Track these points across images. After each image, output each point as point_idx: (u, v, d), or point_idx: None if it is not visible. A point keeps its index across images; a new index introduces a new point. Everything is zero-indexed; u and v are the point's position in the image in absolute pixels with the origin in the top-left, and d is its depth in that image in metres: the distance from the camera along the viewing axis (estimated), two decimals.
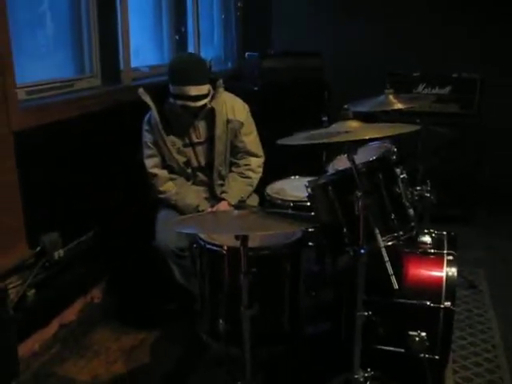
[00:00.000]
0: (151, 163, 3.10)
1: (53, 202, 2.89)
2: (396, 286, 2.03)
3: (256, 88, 4.83)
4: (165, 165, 3.13)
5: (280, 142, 2.25)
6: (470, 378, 2.77)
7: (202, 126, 3.14)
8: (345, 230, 2.23)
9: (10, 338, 2.39)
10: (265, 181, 3.27)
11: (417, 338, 2.40)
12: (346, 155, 2.17)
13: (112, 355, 3.00)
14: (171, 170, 3.14)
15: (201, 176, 3.22)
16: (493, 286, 3.74)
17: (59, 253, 2.88)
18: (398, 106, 2.99)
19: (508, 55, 5.15)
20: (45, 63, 3.11)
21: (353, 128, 2.19)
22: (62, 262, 2.91)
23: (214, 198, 3.20)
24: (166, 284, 3.13)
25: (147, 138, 3.09)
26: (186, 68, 2.98)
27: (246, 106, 3.26)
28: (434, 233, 2.78)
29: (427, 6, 5.32)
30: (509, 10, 5.12)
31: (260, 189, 3.25)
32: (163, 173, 3.11)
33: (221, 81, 3.15)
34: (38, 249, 2.77)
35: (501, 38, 5.14)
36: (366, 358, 2.28)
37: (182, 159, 3.12)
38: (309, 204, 2.49)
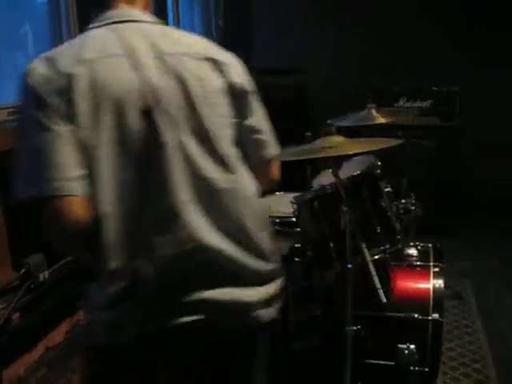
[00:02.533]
0: None
1: (37, 224, 2.86)
2: (384, 300, 2.03)
3: None
4: None
5: None
6: None
7: None
8: (331, 244, 2.24)
9: None
10: None
11: (406, 351, 2.40)
12: (330, 170, 2.17)
13: None
14: None
15: None
16: (479, 297, 3.76)
17: (44, 274, 2.84)
18: (381, 120, 3.01)
19: (488, 67, 5.21)
20: None
21: (337, 143, 2.20)
22: (47, 283, 2.87)
23: None
24: None
25: None
26: None
27: None
28: (419, 245, 2.79)
29: (409, 21, 5.37)
30: (489, 20, 5.19)
31: None
32: None
33: None
34: (23, 271, 2.73)
35: (481, 50, 5.21)
36: (356, 373, 2.27)
37: None
38: (295, 220, 2.49)
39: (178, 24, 4.75)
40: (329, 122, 2.32)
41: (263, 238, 1.53)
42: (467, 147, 4.83)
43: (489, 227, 4.94)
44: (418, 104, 4.79)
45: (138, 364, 1.43)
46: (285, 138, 3.03)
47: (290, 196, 2.42)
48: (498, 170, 5.27)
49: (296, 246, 2.59)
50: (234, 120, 1.53)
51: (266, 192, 1.76)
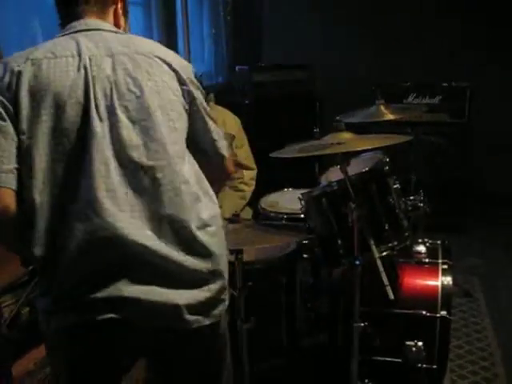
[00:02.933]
0: None
1: None
2: (392, 297, 2.03)
3: (247, 101, 4.84)
4: None
5: (274, 154, 2.25)
6: None
7: None
8: (339, 241, 2.24)
9: (4, 358, 2.37)
10: (258, 194, 3.27)
11: (414, 348, 2.40)
12: (338, 167, 2.17)
13: None
14: None
15: None
16: (488, 294, 3.75)
17: None
18: (390, 116, 2.99)
19: (498, 63, 5.18)
20: None
21: (345, 139, 2.20)
22: None
23: None
24: None
25: None
26: None
27: (238, 120, 3.26)
28: (428, 242, 2.79)
29: (417, 16, 5.35)
30: (499, 17, 5.16)
31: (253, 202, 3.25)
32: None
33: (212, 95, 3.16)
34: (31, 267, 2.75)
35: (490, 45, 5.18)
36: (364, 369, 2.27)
37: None
38: (303, 216, 2.49)
39: (186, 21, 4.75)
40: (337, 118, 2.31)
41: (204, 234, 1.48)
42: (476, 143, 4.80)
43: (498, 224, 4.92)
44: (427, 100, 4.76)
45: (66, 353, 1.49)
46: (293, 134, 3.05)
47: (298, 192, 2.42)
48: (508, 166, 5.24)
49: (304, 242, 2.60)
50: (183, 115, 1.55)
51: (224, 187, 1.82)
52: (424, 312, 2.44)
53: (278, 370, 2.74)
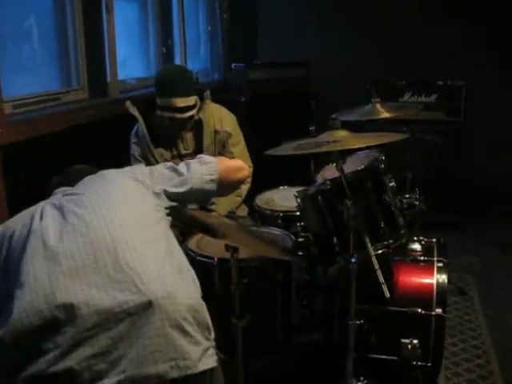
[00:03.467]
0: None
1: None
2: (387, 295, 2.03)
3: (243, 99, 4.84)
4: None
5: (269, 152, 2.25)
6: None
7: (189, 137, 3.14)
8: (335, 239, 2.24)
9: None
10: (253, 191, 3.27)
11: (409, 346, 2.40)
12: (334, 165, 2.17)
13: None
14: None
15: None
16: (482, 292, 3.76)
17: None
18: (385, 114, 3.00)
19: (494, 62, 5.20)
20: (31, 77, 3.10)
21: (341, 137, 2.20)
22: None
23: (204, 210, 3.19)
24: None
25: (135, 150, 3.08)
26: (172, 80, 2.98)
27: (234, 117, 3.26)
28: (423, 240, 2.79)
29: (415, 15, 5.36)
30: (496, 17, 5.17)
31: (249, 199, 3.24)
32: None
33: (208, 92, 3.15)
34: None
35: (487, 44, 5.19)
36: (359, 367, 2.28)
37: None
38: (298, 214, 2.49)
39: (182, 19, 4.75)
40: (333, 116, 2.31)
41: None
42: (472, 142, 4.81)
43: (493, 222, 4.94)
44: (422, 98, 4.77)
45: None
46: (289, 131, 3.05)
47: (294, 190, 2.42)
48: (504, 164, 5.26)
49: (299, 240, 2.60)
50: None
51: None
52: (419, 310, 2.45)
53: (273, 367, 2.74)
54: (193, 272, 1.67)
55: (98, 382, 1.35)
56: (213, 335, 1.58)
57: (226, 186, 1.97)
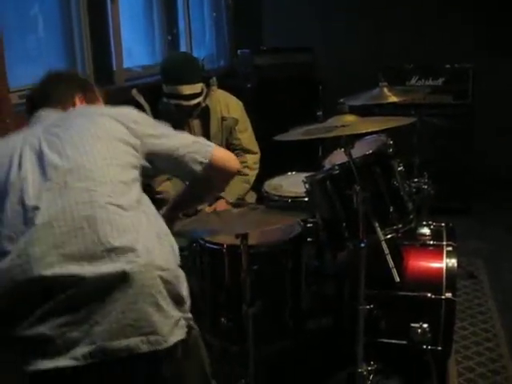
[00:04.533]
0: None
1: None
2: (397, 279, 2.03)
3: (249, 85, 4.82)
4: None
5: (277, 138, 2.24)
6: (473, 367, 2.78)
7: (196, 124, 3.13)
8: (344, 224, 2.23)
9: None
10: (261, 177, 3.26)
11: (419, 330, 2.40)
12: (342, 149, 2.16)
13: None
14: None
15: None
16: (492, 276, 3.75)
17: None
18: (393, 98, 2.98)
19: (501, 43, 5.15)
20: (37, 66, 3.10)
21: (349, 122, 2.19)
22: None
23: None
24: None
25: None
26: (178, 67, 2.97)
27: (240, 103, 3.25)
28: (432, 224, 2.78)
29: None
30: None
31: (257, 186, 3.24)
32: None
33: (214, 79, 3.15)
34: None
35: (493, 26, 5.14)
36: (369, 351, 2.28)
37: None
38: (307, 199, 2.49)
39: (187, 5, 4.73)
40: (341, 100, 2.31)
41: None
42: (480, 125, 4.78)
43: (502, 206, 4.92)
44: (430, 82, 4.74)
45: None
46: (296, 117, 3.04)
47: (302, 176, 2.41)
48: None
49: (308, 225, 2.59)
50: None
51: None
52: (429, 294, 2.45)
53: (283, 353, 2.75)
54: (171, 238, 1.63)
55: (70, 351, 1.36)
56: (188, 304, 1.56)
57: (215, 172, 1.82)
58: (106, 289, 1.39)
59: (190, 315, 1.55)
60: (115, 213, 1.47)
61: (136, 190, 1.59)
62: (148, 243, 1.48)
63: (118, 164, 1.56)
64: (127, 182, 1.56)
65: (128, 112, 1.73)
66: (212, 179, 1.85)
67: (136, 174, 1.62)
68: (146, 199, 1.63)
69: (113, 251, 1.41)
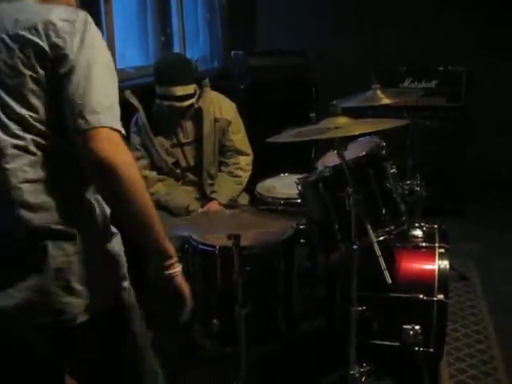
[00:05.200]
0: (139, 165, 3.08)
1: None
2: (389, 281, 2.03)
3: (243, 86, 4.82)
4: (153, 166, 3.12)
5: (270, 139, 2.24)
6: (465, 369, 2.79)
7: (189, 126, 3.13)
8: (336, 226, 2.23)
9: None
10: (254, 179, 3.26)
11: (411, 332, 2.41)
12: (335, 151, 2.17)
13: None
14: (160, 172, 3.13)
15: (190, 176, 3.21)
16: (484, 278, 3.76)
17: None
18: (386, 101, 2.99)
19: (495, 46, 5.16)
20: None
21: (342, 124, 2.19)
22: None
23: (205, 198, 3.19)
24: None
25: (135, 140, 3.07)
26: (171, 69, 2.97)
27: (234, 105, 3.25)
28: (425, 226, 2.79)
29: (414, 1, 5.32)
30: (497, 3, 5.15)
31: (250, 187, 3.24)
32: (152, 174, 3.10)
33: (207, 80, 3.15)
34: None
35: (487, 28, 5.16)
36: (361, 353, 2.28)
37: (170, 160, 3.11)
38: (299, 201, 2.49)
39: (181, 6, 4.72)
40: (333, 102, 2.31)
41: None
42: (473, 127, 4.79)
43: (494, 207, 4.93)
44: (423, 84, 4.75)
45: None
46: (289, 118, 3.04)
47: (295, 177, 2.42)
48: (505, 150, 5.24)
49: (301, 227, 2.59)
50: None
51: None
52: (421, 296, 2.45)
53: (276, 354, 2.75)
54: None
55: None
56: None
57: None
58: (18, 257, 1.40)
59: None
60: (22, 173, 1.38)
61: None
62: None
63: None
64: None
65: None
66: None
67: None
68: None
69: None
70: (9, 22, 1.36)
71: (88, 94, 1.33)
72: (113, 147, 1.32)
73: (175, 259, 1.48)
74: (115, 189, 1.33)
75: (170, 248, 1.47)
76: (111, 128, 1.34)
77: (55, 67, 1.33)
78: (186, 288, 1.53)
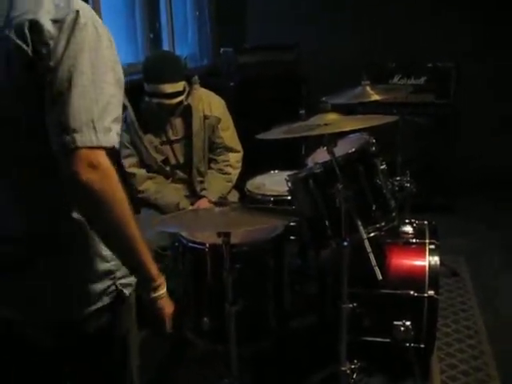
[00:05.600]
0: (129, 163, 3.07)
1: None
2: (380, 277, 2.03)
3: (232, 83, 4.81)
4: (143, 164, 3.10)
5: (260, 136, 2.23)
6: (456, 364, 2.79)
7: (178, 123, 3.12)
8: (327, 222, 2.23)
9: None
10: (244, 176, 3.26)
11: (402, 328, 2.41)
12: (325, 148, 2.16)
13: None
14: (149, 169, 3.12)
15: (180, 174, 3.20)
16: (474, 274, 3.77)
17: None
18: (375, 97, 2.99)
19: (482, 42, 5.18)
20: None
21: (332, 120, 2.19)
22: None
23: (194, 196, 3.18)
24: None
25: (124, 137, 3.05)
26: (160, 66, 2.96)
27: (223, 102, 3.24)
28: (415, 222, 2.80)
29: None
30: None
31: (240, 184, 3.24)
32: (141, 172, 3.09)
33: (196, 77, 3.13)
34: None
35: (475, 24, 5.17)
36: (352, 350, 2.28)
37: (159, 157, 3.10)
38: (290, 198, 2.49)
39: (170, 4, 4.70)
40: (323, 99, 2.30)
41: None
42: (462, 124, 4.80)
43: (484, 203, 4.95)
44: (412, 81, 4.76)
45: None
46: (279, 115, 3.03)
47: (285, 174, 2.41)
48: (493, 146, 5.26)
49: (291, 224, 2.59)
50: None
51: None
52: (412, 292, 2.46)
53: (266, 352, 2.75)
54: None
55: None
56: None
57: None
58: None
59: None
60: None
61: None
62: None
63: None
64: None
65: None
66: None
67: None
68: None
69: None
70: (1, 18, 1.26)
71: (66, 111, 1.20)
72: (93, 172, 1.20)
73: (160, 281, 1.44)
74: (97, 215, 1.27)
75: (155, 271, 1.42)
76: (91, 147, 1.21)
77: (39, 77, 1.23)
78: (168, 310, 1.50)
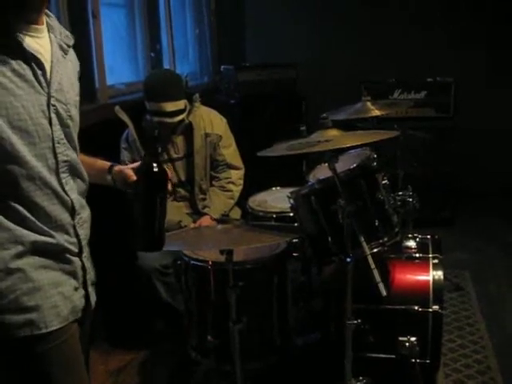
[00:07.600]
0: None
1: None
2: (384, 293, 2.02)
3: (233, 101, 4.83)
4: None
5: (261, 153, 2.23)
6: (462, 380, 2.77)
7: (180, 141, 3.13)
8: (329, 239, 2.22)
9: None
10: (246, 193, 3.26)
11: (407, 344, 2.39)
12: (326, 164, 2.16)
13: (100, 377, 2.95)
14: None
15: (181, 192, 3.20)
16: (479, 288, 3.76)
17: None
18: (376, 112, 3.00)
19: (482, 57, 5.21)
20: None
21: (332, 136, 2.19)
22: None
23: (197, 213, 3.17)
24: (151, 303, 3.09)
25: (125, 156, 3.06)
26: (161, 84, 2.97)
27: (224, 119, 3.25)
28: (418, 237, 2.79)
29: (402, 13, 5.36)
30: (481, 14, 5.20)
31: (242, 201, 3.23)
32: None
33: (197, 95, 3.15)
34: None
35: (474, 40, 5.20)
36: (358, 366, 2.26)
37: None
38: (292, 215, 2.48)
39: (170, 22, 4.73)
40: (324, 115, 2.30)
41: None
42: (462, 137, 4.81)
43: (485, 217, 4.94)
44: (412, 96, 4.78)
45: None
46: (280, 132, 3.04)
47: (287, 191, 2.41)
48: (494, 158, 5.27)
49: (294, 241, 2.58)
50: None
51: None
52: (416, 307, 2.44)
53: (271, 369, 2.73)
54: None
55: None
56: None
57: None
58: None
59: None
60: None
61: None
62: None
63: None
64: None
65: None
66: None
67: None
68: None
69: None
70: None
71: None
72: None
73: None
74: None
75: None
76: None
77: None
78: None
